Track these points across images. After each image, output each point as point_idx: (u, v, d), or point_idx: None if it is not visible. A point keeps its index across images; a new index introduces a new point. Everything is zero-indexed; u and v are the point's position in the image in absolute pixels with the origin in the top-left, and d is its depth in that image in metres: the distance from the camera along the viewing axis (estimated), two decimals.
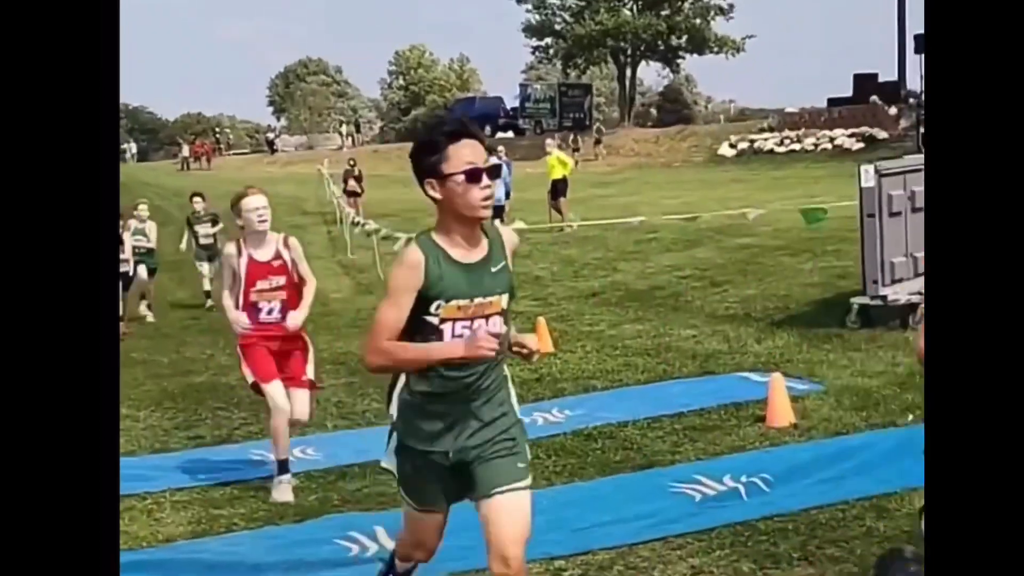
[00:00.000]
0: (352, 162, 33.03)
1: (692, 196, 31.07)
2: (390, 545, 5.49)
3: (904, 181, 10.75)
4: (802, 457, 6.65)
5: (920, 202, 10.88)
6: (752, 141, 43.00)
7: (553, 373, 9.64)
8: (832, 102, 44.54)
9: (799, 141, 41.12)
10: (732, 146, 43.39)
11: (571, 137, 44.45)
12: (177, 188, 45.46)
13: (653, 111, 78.60)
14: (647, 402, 8.28)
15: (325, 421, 8.51)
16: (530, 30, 56.30)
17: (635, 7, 53.78)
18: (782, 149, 41.28)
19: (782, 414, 7.45)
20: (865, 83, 43.53)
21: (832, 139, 40.02)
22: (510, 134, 52.94)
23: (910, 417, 7.38)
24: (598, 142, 48.30)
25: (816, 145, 40.17)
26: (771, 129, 44.31)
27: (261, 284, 6.62)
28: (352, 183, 30.95)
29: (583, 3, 53.80)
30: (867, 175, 10.40)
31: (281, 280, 6.68)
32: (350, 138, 71.75)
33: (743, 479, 6.22)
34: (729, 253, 17.80)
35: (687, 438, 7.29)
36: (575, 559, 5.27)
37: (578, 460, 6.97)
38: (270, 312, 6.64)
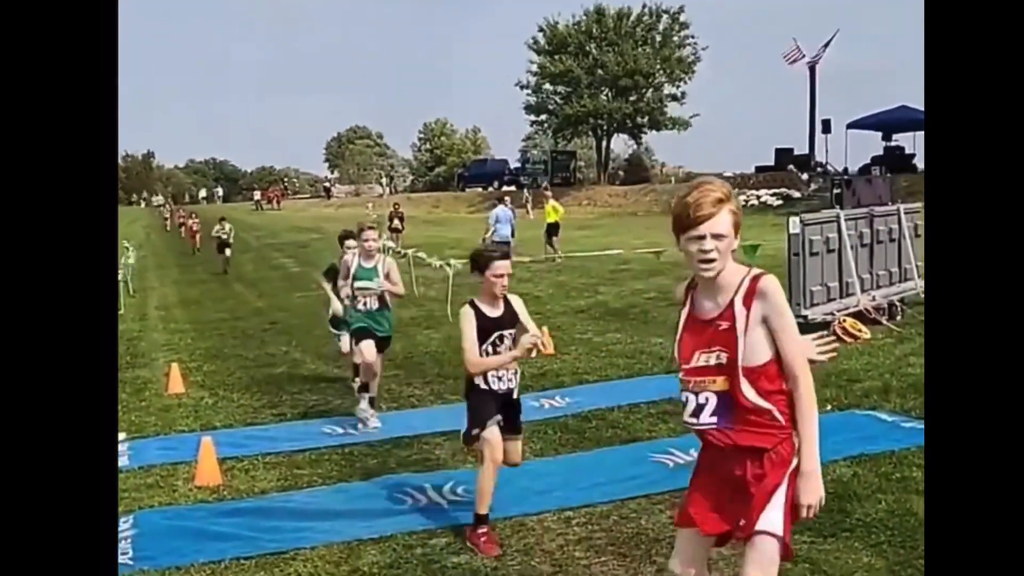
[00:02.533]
0: (397, 205, 33.02)
1: (654, 237, 31.03)
2: (437, 499, 5.55)
3: (821, 229, 10.83)
4: None
5: (833, 245, 10.99)
6: None
7: (554, 370, 9.66)
8: (759, 169, 44.61)
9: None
10: None
11: (528, 196, 44.09)
12: (253, 223, 45.50)
13: (621, 173, 78.72)
14: (628, 392, 8.31)
15: (380, 403, 8.51)
16: (529, 109, 56.50)
17: (610, 94, 53.93)
18: None
19: None
20: (784, 155, 43.69)
21: (758, 197, 39.98)
22: (513, 188, 52.96)
23: (828, 407, 7.42)
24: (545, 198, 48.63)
25: (746, 201, 40.10)
26: None
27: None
28: (396, 221, 30.91)
29: (570, 90, 53.94)
30: (794, 224, 10.48)
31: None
32: (388, 188, 71.79)
33: None
34: (684, 281, 17.79)
35: (660, 420, 7.32)
36: (581, 510, 5.32)
37: (578, 436, 7.01)
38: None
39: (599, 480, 5.82)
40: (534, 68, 55.13)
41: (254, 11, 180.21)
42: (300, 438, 7.24)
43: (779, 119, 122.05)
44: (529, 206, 38.55)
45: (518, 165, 59.16)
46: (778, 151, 44.10)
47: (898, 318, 11.32)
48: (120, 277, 18.59)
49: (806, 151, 43.98)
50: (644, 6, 53.98)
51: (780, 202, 38.59)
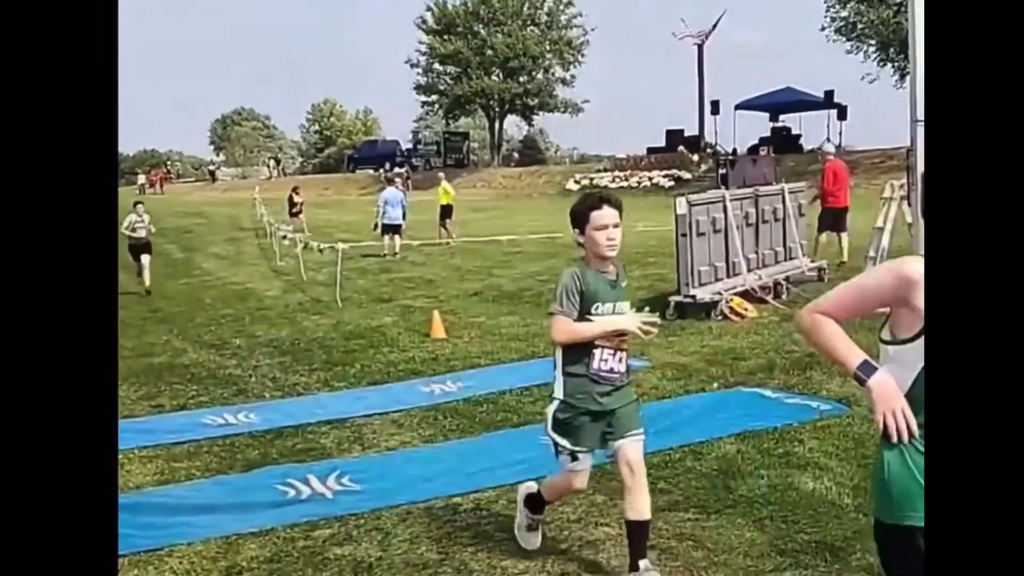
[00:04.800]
0: (296, 188, 32.03)
1: (547, 220, 31.25)
2: (320, 489, 5.44)
3: (708, 210, 11.05)
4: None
5: (719, 225, 11.23)
6: (591, 179, 43.45)
7: (446, 354, 9.60)
8: (650, 151, 45.39)
9: (627, 180, 41.72)
10: (576, 182, 43.71)
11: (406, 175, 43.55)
12: (129, 207, 43.79)
13: (515, 154, 79.12)
14: (520, 375, 8.29)
15: (263, 393, 8.31)
16: (419, 88, 56.14)
17: (500, 74, 53.98)
18: (614, 185, 41.73)
19: None
20: (674, 136, 44.55)
21: (651, 178, 40.76)
22: (405, 169, 52.55)
23: (715, 385, 7.60)
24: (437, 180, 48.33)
25: (639, 183, 40.84)
26: (606, 170, 44.89)
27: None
28: (296, 205, 29.99)
29: (460, 70, 53.80)
30: (681, 205, 10.66)
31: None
32: (275, 171, 70.25)
33: None
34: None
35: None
36: (468, 496, 5.29)
37: (469, 420, 6.96)
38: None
39: (488, 465, 5.79)
40: (423, 48, 54.73)
41: None
42: (179, 430, 6.99)
43: (670, 100, 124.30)
44: (410, 185, 37.94)
45: (410, 146, 58.75)
46: (669, 132, 44.95)
47: (783, 296, 11.66)
48: None
49: (696, 132, 44.95)
50: None
51: (672, 183, 39.40)
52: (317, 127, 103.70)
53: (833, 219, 14.42)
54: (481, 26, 54.44)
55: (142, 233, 16.97)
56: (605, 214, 4.09)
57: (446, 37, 53.47)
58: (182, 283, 19.09)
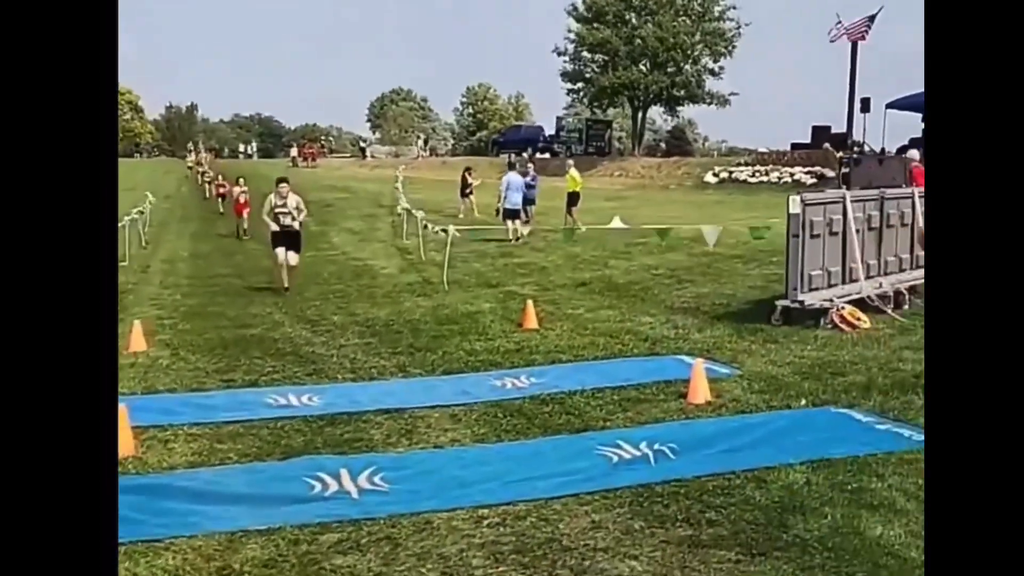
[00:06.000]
0: (469, 169, 31.23)
1: (678, 212, 30.25)
2: (348, 486, 5.07)
3: (825, 210, 10.13)
4: (708, 431, 6.12)
5: (836, 227, 10.29)
6: (731, 172, 41.93)
7: (531, 346, 9.12)
8: (794, 146, 43.30)
9: (767, 175, 39.98)
10: (715, 175, 42.25)
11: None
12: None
13: (662, 144, 77.56)
14: (597, 375, 7.75)
15: (337, 375, 8.04)
16: (565, 76, 55.26)
17: (647, 65, 52.63)
18: (753, 180, 40.14)
19: (700, 393, 6.91)
20: (821, 133, 42.21)
21: (792, 174, 38.87)
22: (547, 156, 52.13)
23: (803, 401, 6.83)
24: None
25: (779, 178, 39.05)
26: (746, 164, 43.18)
27: None
28: (470, 185, 29.24)
29: (608, 59, 52.74)
30: (794, 203, 9.79)
31: None
32: (422, 150, 71.07)
33: (655, 446, 5.71)
34: (696, 258, 17.08)
35: (620, 408, 6.77)
36: (497, 508, 4.79)
37: (527, 421, 6.46)
38: None
39: (529, 474, 5.28)
40: (571, 36, 53.94)
41: None
42: (238, 408, 6.79)
43: (818, 96, 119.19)
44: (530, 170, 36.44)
45: (553, 132, 58.19)
46: (815, 129, 42.69)
47: (905, 307, 10.62)
48: (125, 225, 18.28)
49: (844, 130, 42.63)
50: None
51: (814, 180, 37.42)
52: (471, 110, 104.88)
53: None
54: (632, 15, 53.23)
55: (287, 220, 13.51)
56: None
57: (595, 25, 52.49)
58: (308, 256, 19.23)
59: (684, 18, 52.30)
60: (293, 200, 13.70)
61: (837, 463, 5.37)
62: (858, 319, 9.65)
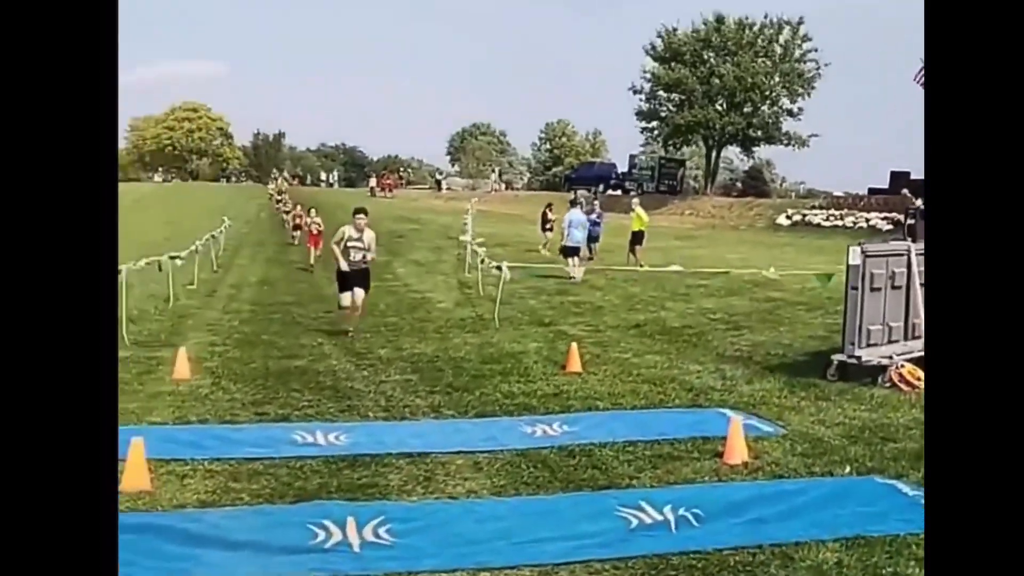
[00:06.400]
0: (550, 205, 31.08)
1: (746, 253, 29.59)
2: (352, 537, 4.83)
3: (887, 263, 9.63)
4: (738, 496, 5.71)
5: (899, 280, 9.78)
6: (804, 215, 41.04)
7: (570, 391, 8.81)
8: (871, 191, 42.25)
9: (841, 219, 39.00)
10: (788, 217, 41.43)
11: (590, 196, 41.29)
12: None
13: (738, 184, 76.42)
14: (632, 426, 7.40)
15: (369, 412, 7.85)
16: (640, 114, 54.91)
17: (723, 105, 52.03)
18: (827, 224, 39.22)
19: (737, 452, 6.50)
20: (899, 178, 41.04)
21: (868, 220, 37.86)
22: (619, 192, 51.83)
23: (847, 468, 6.38)
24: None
25: (855, 223, 38.05)
26: (821, 207, 42.20)
27: None
28: (550, 221, 29.02)
29: (683, 98, 52.31)
30: (854, 254, 9.32)
31: None
32: (495, 184, 71.41)
33: (679, 511, 5.34)
34: (757, 303, 16.56)
35: (650, 464, 6.39)
36: (501, 572, 4.49)
37: (551, 474, 6.14)
38: None
39: (544, 534, 4.97)
40: (648, 75, 53.63)
41: (392, 4, 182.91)
42: (264, 443, 6.64)
43: (901, 140, 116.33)
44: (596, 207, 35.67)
45: (625, 169, 57.90)
46: (893, 174, 41.61)
47: None
48: (197, 249, 18.52)
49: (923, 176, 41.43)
50: (766, 16, 51.89)
51: (891, 227, 36.36)
52: (548, 145, 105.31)
53: None
54: (711, 54, 52.79)
55: (358, 256, 11.97)
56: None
57: (671, 65, 52.15)
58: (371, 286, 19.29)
59: (764, 59, 51.63)
60: (369, 236, 12.04)
61: (875, 542, 4.93)
62: (918, 379, 9.09)
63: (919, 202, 38.20)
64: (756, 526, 5.19)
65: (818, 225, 39.67)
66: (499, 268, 14.47)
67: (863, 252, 9.36)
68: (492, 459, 6.42)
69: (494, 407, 8.15)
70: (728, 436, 6.61)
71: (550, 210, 29.41)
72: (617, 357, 10.81)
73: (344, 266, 11.88)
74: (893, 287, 9.68)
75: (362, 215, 12.05)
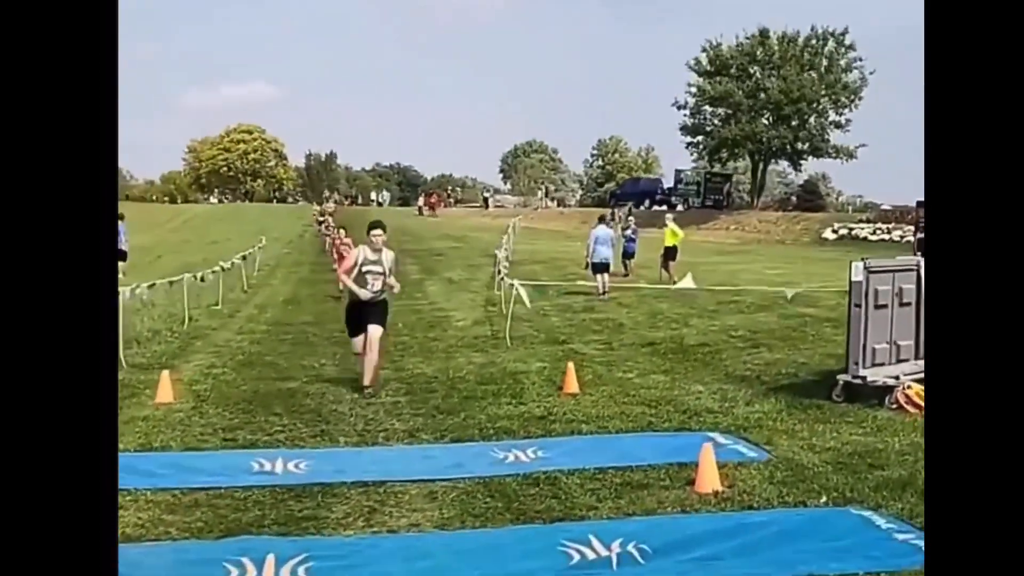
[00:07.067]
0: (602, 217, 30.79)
1: (788, 269, 28.82)
2: (270, 574, 4.56)
3: (893, 279, 9.11)
4: (695, 529, 5.30)
5: (907, 297, 9.25)
6: (851, 229, 40.01)
7: (559, 413, 8.46)
8: (919, 204, 40.96)
9: (888, 232, 37.95)
10: (834, 231, 40.47)
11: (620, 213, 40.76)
12: (407, 228, 45.70)
13: (794, 198, 75.07)
14: (609, 452, 7.01)
15: (342, 437, 7.59)
16: (685, 129, 54.27)
17: (770, 119, 51.14)
18: (874, 237, 38.20)
19: (708, 481, 6.09)
20: None
21: (915, 233, 36.71)
22: (664, 208, 51.21)
23: (823, 498, 5.93)
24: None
25: (902, 237, 36.96)
26: (868, 221, 41.15)
27: None
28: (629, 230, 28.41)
29: (730, 112, 51.55)
30: (857, 270, 8.84)
31: None
32: (543, 201, 71.28)
33: (628, 546, 4.97)
34: (787, 320, 15.94)
35: (615, 493, 6.00)
36: None
37: (505, 504, 5.78)
38: None
39: (473, 573, 4.65)
40: (693, 89, 53.02)
41: (447, 24, 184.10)
42: (220, 472, 6.41)
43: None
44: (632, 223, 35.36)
45: (671, 185, 57.24)
46: None
47: None
48: (220, 270, 18.56)
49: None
50: (812, 28, 50.96)
51: None
52: (600, 162, 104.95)
53: None
54: (757, 68, 52.00)
55: (376, 285, 9.52)
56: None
57: (717, 79, 51.48)
58: (396, 306, 19.09)
59: (810, 72, 50.68)
60: (388, 257, 9.60)
61: None
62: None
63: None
64: (706, 564, 4.79)
65: (865, 239, 38.67)
66: (512, 285, 14.18)
67: (866, 268, 8.87)
68: (450, 488, 6.11)
69: (474, 431, 7.84)
70: (699, 463, 6.21)
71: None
72: (620, 377, 10.43)
73: (363, 295, 9.52)
74: (901, 304, 9.16)
75: (379, 230, 9.63)
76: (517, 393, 9.40)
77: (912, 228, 37.67)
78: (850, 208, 63.52)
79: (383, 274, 9.50)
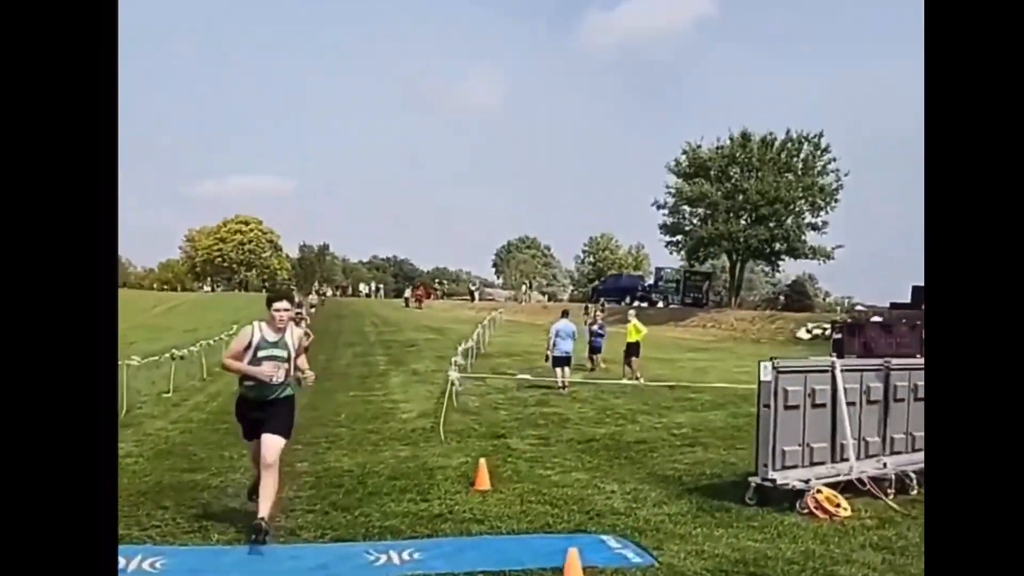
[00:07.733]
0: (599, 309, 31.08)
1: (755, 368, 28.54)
2: None
3: (804, 379, 8.88)
4: None
5: (820, 399, 9.00)
6: (824, 329, 39.81)
7: (456, 512, 8.08)
8: (893, 305, 41.00)
9: None
10: (808, 331, 40.29)
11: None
12: (390, 319, 45.57)
13: (782, 298, 75.18)
14: (488, 555, 6.65)
15: (216, 534, 7.21)
16: (664, 228, 54.74)
17: (748, 219, 51.63)
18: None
19: None
20: (921, 293, 40.01)
21: None
22: (645, 304, 51.19)
23: None
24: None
25: None
26: (839, 322, 41.04)
27: None
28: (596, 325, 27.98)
29: (709, 212, 52.08)
30: (765, 370, 8.63)
31: None
32: (526, 295, 71.47)
33: None
34: (736, 418, 15.59)
35: None
36: None
37: None
38: None
39: None
40: (672, 190, 53.65)
41: (450, 118, 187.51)
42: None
43: (921, 255, 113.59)
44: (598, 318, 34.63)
45: (651, 283, 57.43)
46: (915, 288, 40.39)
47: (911, 493, 9.10)
48: (178, 358, 18.28)
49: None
50: (788, 131, 51.88)
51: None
52: (591, 259, 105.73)
53: None
54: (736, 170, 52.74)
55: (278, 376, 7.05)
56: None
57: (695, 180, 52.16)
58: (350, 395, 18.81)
59: (788, 174, 51.38)
60: (294, 336, 7.23)
61: None
62: (836, 505, 8.23)
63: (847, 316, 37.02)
64: None
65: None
66: (452, 381, 13.93)
67: (775, 368, 8.66)
68: None
69: (361, 529, 7.47)
70: (564, 569, 5.87)
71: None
72: (540, 474, 10.07)
73: (250, 393, 7.14)
74: (813, 405, 8.90)
75: (283, 302, 7.17)
76: (425, 490, 9.04)
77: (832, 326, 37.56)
78: (838, 308, 63.62)
79: (287, 360, 7.06)
